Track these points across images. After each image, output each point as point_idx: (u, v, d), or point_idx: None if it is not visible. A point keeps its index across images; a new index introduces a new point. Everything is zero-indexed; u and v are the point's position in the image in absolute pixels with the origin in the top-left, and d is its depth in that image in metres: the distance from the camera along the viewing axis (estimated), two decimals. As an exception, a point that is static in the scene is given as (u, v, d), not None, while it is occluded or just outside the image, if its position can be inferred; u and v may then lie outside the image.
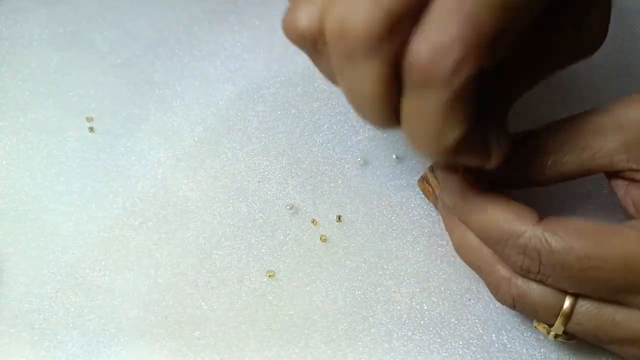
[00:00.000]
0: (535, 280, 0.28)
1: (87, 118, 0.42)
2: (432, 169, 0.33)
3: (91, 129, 0.41)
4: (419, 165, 0.39)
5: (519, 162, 0.30)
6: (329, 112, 0.42)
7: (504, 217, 0.28)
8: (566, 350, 0.33)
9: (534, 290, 0.28)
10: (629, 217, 0.31)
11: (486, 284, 0.31)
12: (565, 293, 0.28)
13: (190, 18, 0.47)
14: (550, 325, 0.29)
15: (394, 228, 0.38)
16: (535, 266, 0.27)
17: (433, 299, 0.35)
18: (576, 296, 0.28)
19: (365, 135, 0.41)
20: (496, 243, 0.28)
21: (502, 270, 0.29)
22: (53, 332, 0.35)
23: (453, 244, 0.32)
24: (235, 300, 0.36)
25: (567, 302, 0.28)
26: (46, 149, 0.40)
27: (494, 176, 0.30)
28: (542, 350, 0.34)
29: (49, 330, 0.35)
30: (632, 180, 0.29)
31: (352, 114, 0.42)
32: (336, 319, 0.35)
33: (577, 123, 0.29)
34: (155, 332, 0.35)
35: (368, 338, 0.35)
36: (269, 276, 0.36)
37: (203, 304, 0.36)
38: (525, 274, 0.28)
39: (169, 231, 0.38)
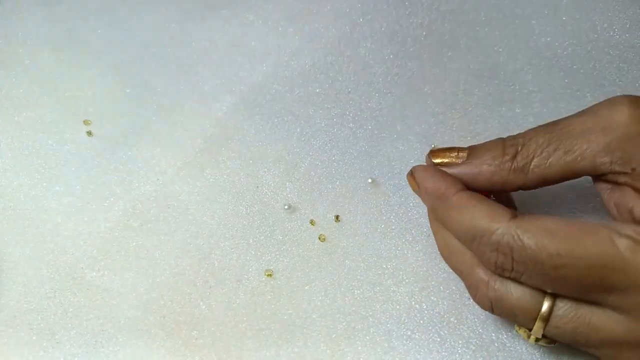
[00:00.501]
0: (510, 278, 0.28)
1: (84, 121, 0.42)
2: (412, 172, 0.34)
3: (89, 133, 0.42)
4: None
5: (502, 165, 0.30)
6: (325, 115, 0.42)
7: (478, 215, 0.28)
8: (565, 349, 0.33)
9: (512, 293, 0.28)
10: (613, 219, 0.30)
11: (466, 286, 0.31)
12: (543, 295, 0.28)
13: (184, 13, 0.47)
14: (530, 329, 0.29)
15: (393, 227, 0.38)
16: (509, 263, 0.27)
17: (432, 298, 0.35)
18: (554, 298, 0.28)
19: (362, 136, 0.41)
20: (471, 241, 0.28)
21: (481, 273, 0.29)
22: (51, 331, 0.35)
23: (437, 246, 0.32)
24: (233, 299, 0.36)
25: (545, 305, 0.28)
26: (43, 149, 0.41)
27: (477, 180, 0.30)
28: (541, 349, 0.33)
29: (47, 330, 0.35)
30: (615, 183, 0.29)
31: (348, 116, 0.42)
32: (335, 318, 0.35)
33: (561, 126, 0.29)
34: (153, 332, 0.35)
35: (367, 337, 0.35)
36: (268, 275, 0.36)
37: (201, 303, 0.36)
38: (500, 272, 0.28)
39: (168, 232, 0.38)
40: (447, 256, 0.32)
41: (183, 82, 0.44)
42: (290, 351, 0.34)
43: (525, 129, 0.40)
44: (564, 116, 0.40)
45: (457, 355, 0.34)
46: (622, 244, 0.25)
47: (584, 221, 0.27)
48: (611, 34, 0.44)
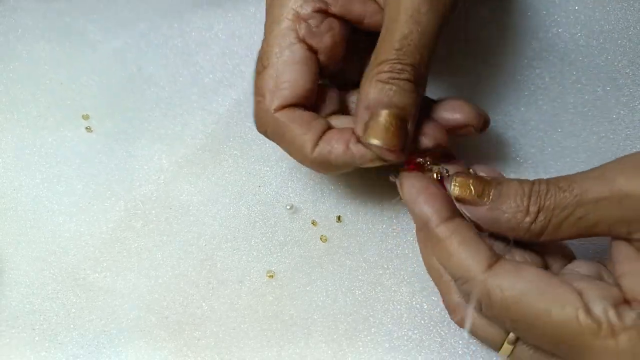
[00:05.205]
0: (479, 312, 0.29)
1: (83, 116, 0.41)
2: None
3: (88, 129, 0.41)
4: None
5: (521, 225, 0.29)
6: (328, 113, 0.42)
7: (454, 259, 0.28)
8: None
9: (481, 325, 0.30)
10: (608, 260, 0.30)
11: (444, 304, 0.32)
12: (507, 334, 0.29)
13: (183, 2, 0.46)
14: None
15: (394, 227, 0.38)
16: (478, 307, 0.28)
17: (433, 298, 0.35)
18: (516, 340, 0.29)
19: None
20: (448, 273, 0.30)
21: (456, 297, 0.30)
22: (53, 332, 0.35)
23: (421, 257, 0.32)
24: (235, 300, 0.36)
25: (507, 345, 0.29)
26: (44, 147, 0.40)
27: (490, 227, 0.30)
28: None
29: (50, 331, 0.35)
30: (628, 239, 0.29)
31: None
32: (336, 318, 0.35)
33: (576, 192, 0.28)
34: (155, 333, 0.35)
35: (368, 338, 0.35)
36: (269, 276, 0.36)
37: (203, 304, 0.36)
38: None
39: (170, 233, 0.38)
40: (428, 270, 0.32)
41: (182, 72, 0.43)
42: (292, 352, 0.35)
43: (529, 128, 0.40)
44: (566, 115, 0.41)
45: (457, 356, 0.34)
46: (587, 326, 0.26)
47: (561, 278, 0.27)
48: (626, 25, 0.43)
